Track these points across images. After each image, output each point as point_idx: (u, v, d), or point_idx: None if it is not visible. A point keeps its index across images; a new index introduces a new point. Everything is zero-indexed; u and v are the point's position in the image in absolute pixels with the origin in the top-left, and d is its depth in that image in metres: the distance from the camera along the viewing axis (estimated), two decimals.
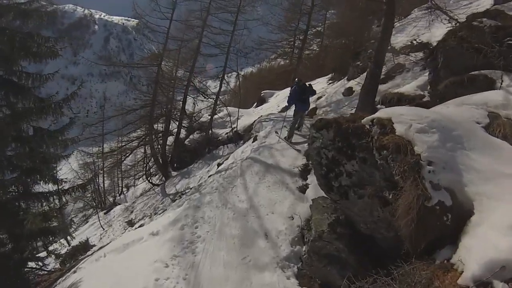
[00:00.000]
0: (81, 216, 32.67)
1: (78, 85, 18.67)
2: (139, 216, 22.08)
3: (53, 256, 17.44)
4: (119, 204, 28.63)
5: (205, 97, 25.96)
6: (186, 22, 25.03)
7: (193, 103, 27.27)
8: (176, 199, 17.83)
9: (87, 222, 29.58)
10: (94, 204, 32.51)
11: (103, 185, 33.21)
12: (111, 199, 32.69)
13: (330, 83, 25.03)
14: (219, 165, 19.57)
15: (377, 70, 12.25)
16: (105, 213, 26.78)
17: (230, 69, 24.65)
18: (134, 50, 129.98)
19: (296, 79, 15.78)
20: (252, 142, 18.27)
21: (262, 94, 31.35)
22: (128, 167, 29.32)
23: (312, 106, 18.78)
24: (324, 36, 33.43)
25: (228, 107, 27.27)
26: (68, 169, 30.37)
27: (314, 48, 34.50)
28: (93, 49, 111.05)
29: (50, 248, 17.71)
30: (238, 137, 23.26)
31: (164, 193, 23.07)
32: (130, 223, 20.66)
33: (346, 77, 21.10)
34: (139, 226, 17.02)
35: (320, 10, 30.92)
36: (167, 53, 23.90)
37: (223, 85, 25.28)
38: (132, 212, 23.56)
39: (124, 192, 31.41)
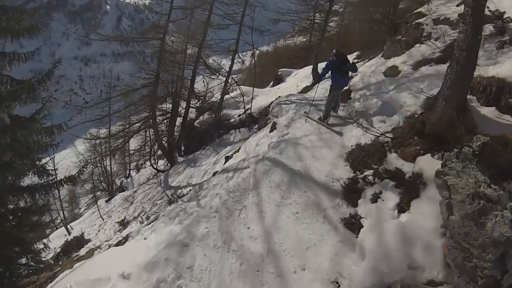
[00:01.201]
0: (91, 198, 28.66)
1: (54, 64, 14.69)
2: (134, 213, 17.20)
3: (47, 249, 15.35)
4: (126, 187, 23.94)
5: (215, 75, 20.59)
6: None
7: (203, 81, 21.73)
8: (173, 202, 12.70)
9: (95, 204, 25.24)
10: (102, 186, 28.04)
11: (110, 168, 28.07)
12: (119, 181, 27.92)
13: (356, 62, 19.06)
14: (227, 158, 14.06)
15: (477, 38, 7.26)
16: (106, 201, 22.05)
17: (244, 41, 18.65)
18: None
19: (335, 50, 11.36)
20: (270, 131, 12.74)
21: (279, 73, 25.95)
22: (133, 151, 24.89)
23: None
24: (346, 11, 27.92)
25: (241, 86, 22.57)
26: (73, 153, 26.21)
27: (334, 26, 28.48)
28: (106, 30, 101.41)
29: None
30: (252, 121, 17.77)
31: (166, 183, 17.92)
32: (122, 223, 16.11)
33: (380, 55, 15.57)
34: (121, 241, 12.02)
35: None
36: (172, 25, 19.26)
37: (237, 62, 20.75)
38: (132, 203, 18.65)
39: (132, 176, 26.35)
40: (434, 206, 6.46)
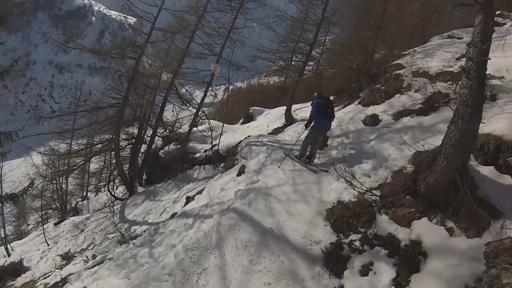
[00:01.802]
0: (41, 215, 25.96)
1: (13, 61, 12.74)
2: (83, 243, 14.77)
3: None
4: (80, 210, 21.45)
5: (186, 105, 18.73)
6: (178, 14, 17.99)
7: (173, 110, 19.66)
8: (124, 243, 10.86)
9: (46, 222, 22.46)
10: (55, 205, 25.01)
11: (66, 186, 24.91)
12: (74, 202, 25.01)
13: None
14: (188, 199, 12.21)
15: (482, 93, 6.16)
16: (55, 224, 19.10)
17: (220, 74, 17.03)
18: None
19: (316, 94, 10.54)
20: (238, 175, 11.14)
21: (250, 111, 24.37)
22: (92, 172, 22.63)
23: None
24: (323, 57, 27.22)
25: (211, 120, 21.02)
26: (28, 163, 23.52)
27: (310, 69, 27.65)
28: (87, 40, 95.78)
29: None
30: (219, 158, 16.09)
31: (122, 214, 15.72)
32: (66, 257, 13.28)
33: (357, 102, 14.47)
34: (58, 283, 9.88)
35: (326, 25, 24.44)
36: (149, 46, 17.58)
37: (209, 95, 19.23)
38: (82, 231, 16.13)
39: (89, 198, 23.73)
40: (442, 284, 5.19)
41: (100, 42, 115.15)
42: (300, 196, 8.23)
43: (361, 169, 8.53)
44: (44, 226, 19.17)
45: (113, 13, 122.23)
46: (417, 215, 6.38)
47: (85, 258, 11.54)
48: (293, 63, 21.82)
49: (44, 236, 17.30)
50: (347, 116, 13.04)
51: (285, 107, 18.59)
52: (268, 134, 17.15)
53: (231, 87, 24.39)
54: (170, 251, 7.67)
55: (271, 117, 21.20)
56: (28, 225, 25.89)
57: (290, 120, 17.72)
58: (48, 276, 11.60)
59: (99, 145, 18.02)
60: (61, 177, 21.43)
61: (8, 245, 18.48)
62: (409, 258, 5.86)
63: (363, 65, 16.56)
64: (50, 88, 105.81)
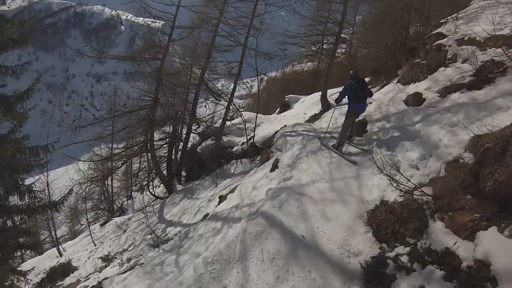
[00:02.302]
0: (92, 215, 25.78)
1: (34, 82, 12.51)
2: (124, 244, 14.20)
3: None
4: (126, 209, 20.99)
5: (217, 99, 17.52)
6: (197, 9, 16.84)
7: (205, 106, 18.40)
8: (156, 246, 10.23)
9: (96, 222, 22.20)
10: (103, 206, 24.90)
11: (112, 188, 24.44)
12: (120, 202, 24.56)
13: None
14: (221, 198, 11.06)
15: None
16: (101, 225, 18.67)
17: (248, 64, 15.36)
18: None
19: (352, 72, 9.42)
20: (271, 170, 9.87)
21: (286, 99, 22.67)
22: (134, 173, 22.00)
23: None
24: (354, 37, 25.25)
25: (247, 112, 19.70)
26: (72, 170, 23.35)
27: (343, 52, 25.53)
28: (119, 49, 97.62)
29: None
30: (256, 151, 14.83)
31: (161, 214, 15.02)
32: (106, 259, 12.97)
33: (396, 80, 12.42)
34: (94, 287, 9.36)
35: (354, 3, 22.34)
36: (176, 45, 16.62)
37: (246, 88, 18.05)
38: (124, 231, 15.65)
39: (133, 198, 23.26)
40: None
41: (132, 48, 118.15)
42: (338, 194, 6.92)
43: (407, 159, 6.98)
44: (92, 227, 19.07)
45: (141, 20, 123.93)
46: (483, 224, 4.72)
47: (120, 262, 11.05)
48: (324, 46, 20.07)
49: (91, 237, 17.10)
50: (386, 97, 11.20)
51: (320, 93, 17.01)
52: (305, 122, 15.76)
53: (263, 76, 22.83)
54: (193, 262, 6.72)
55: (307, 104, 19.69)
56: (81, 225, 25.93)
57: (326, 105, 16.12)
58: (88, 279, 11.12)
59: (136, 147, 17.27)
60: (105, 180, 20.82)
61: (60, 246, 18.49)
62: (473, 285, 4.35)
63: (399, 40, 14.67)
64: (91, 98, 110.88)
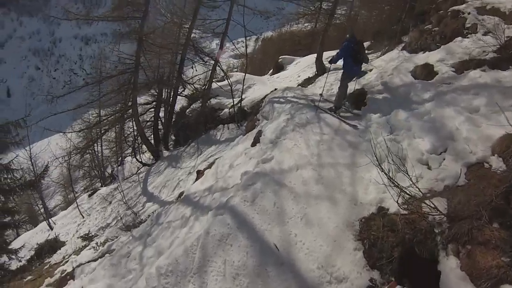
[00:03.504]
0: (86, 182, 24.16)
1: None
2: (108, 217, 12.92)
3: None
4: (116, 176, 19.28)
5: (203, 61, 15.23)
6: None
7: (192, 67, 16.06)
8: (130, 229, 8.98)
9: (90, 189, 20.72)
10: (94, 173, 23.36)
11: (102, 154, 22.60)
12: (110, 169, 22.40)
13: (367, 53, 14.58)
14: (198, 174, 9.43)
15: None
16: (89, 196, 17.64)
17: (236, 22, 12.97)
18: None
19: (349, 33, 8.58)
20: (252, 144, 8.11)
21: (279, 60, 20.38)
22: (118, 141, 20.11)
23: (355, 85, 8.77)
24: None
25: (237, 73, 17.77)
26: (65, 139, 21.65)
27: (344, 14, 23.40)
28: (107, 9, 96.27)
29: None
30: (243, 116, 13.14)
31: (145, 183, 13.58)
32: (85, 238, 11.83)
33: (401, 47, 10.52)
34: (68, 275, 8.49)
35: None
36: (153, 1, 14.37)
37: (233, 49, 16.03)
38: (110, 203, 14.32)
39: (124, 163, 21.76)
40: None
41: (122, 9, 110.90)
42: (325, 188, 5.24)
43: (414, 149, 5.29)
44: (81, 197, 18.10)
45: None
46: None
47: (96, 245, 9.90)
48: (323, 6, 17.85)
49: (79, 209, 15.97)
50: (389, 66, 9.19)
51: (315, 55, 15.01)
52: (298, 85, 13.88)
53: (260, 37, 20.67)
54: (155, 260, 5.57)
55: (302, 66, 17.58)
56: (76, 192, 24.75)
57: (321, 68, 14.11)
58: (66, 262, 10.10)
59: (118, 114, 15.51)
60: (85, 152, 19.08)
61: (50, 220, 17.37)
62: None
63: (406, 2, 12.55)
64: (80, 61, 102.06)
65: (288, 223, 4.73)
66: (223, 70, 14.91)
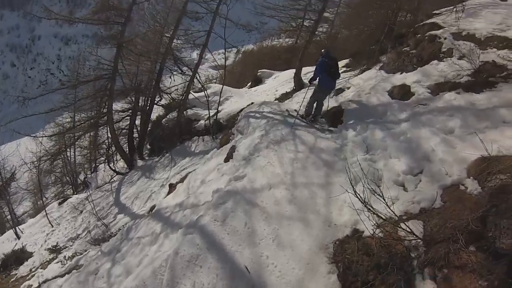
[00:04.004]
0: (57, 188, 22.99)
1: None
2: (78, 228, 12.24)
3: None
4: (89, 183, 18.63)
5: (181, 71, 14.85)
6: None
7: (171, 77, 16.02)
8: (98, 244, 8.75)
9: (60, 196, 19.95)
10: (66, 179, 21.93)
11: (75, 160, 21.54)
12: (83, 176, 21.47)
13: (344, 71, 13.65)
14: (170, 187, 9.26)
15: None
16: (59, 204, 16.50)
17: (217, 35, 12.78)
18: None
19: (323, 50, 8.90)
20: (225, 160, 7.90)
21: (258, 73, 20.27)
22: (91, 148, 19.32)
23: (332, 103, 8.99)
24: (337, 19, 22.82)
25: (215, 85, 17.55)
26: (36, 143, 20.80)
27: (324, 31, 22.11)
28: (90, 10, 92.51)
29: None
30: (219, 128, 12.96)
31: (117, 195, 13.08)
32: (53, 251, 11.20)
33: (378, 67, 10.67)
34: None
35: None
36: (137, 7, 14.08)
37: (220, 58, 15.82)
38: (81, 212, 13.66)
39: (97, 170, 20.23)
40: None
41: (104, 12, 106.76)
42: (298, 209, 5.08)
43: (390, 170, 5.25)
44: (50, 205, 17.08)
45: None
46: None
47: (64, 259, 9.39)
48: (305, 23, 17.96)
49: (47, 218, 15.09)
50: (367, 84, 9.28)
51: (294, 70, 15.01)
52: (275, 99, 13.79)
53: (241, 49, 20.53)
54: (123, 280, 5.30)
55: (281, 80, 17.52)
56: (46, 198, 23.70)
57: (299, 84, 14.07)
58: (33, 276, 9.68)
59: (92, 121, 15.03)
60: (55, 160, 18.32)
61: (18, 228, 16.38)
62: None
63: (385, 24, 12.73)
64: (58, 62, 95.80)
65: (260, 244, 4.55)
66: (200, 82, 14.64)
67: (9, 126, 12.05)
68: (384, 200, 3.90)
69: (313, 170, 5.94)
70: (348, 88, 9.53)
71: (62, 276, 8.08)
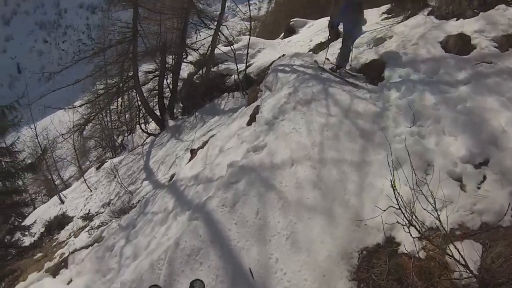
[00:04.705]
0: (96, 155, 24.14)
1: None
2: (111, 194, 12.32)
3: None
4: (126, 145, 18.87)
5: (206, 25, 13.44)
6: None
7: (195, 32, 15.08)
8: (122, 214, 8.24)
9: (97, 163, 19.91)
10: (104, 143, 22.66)
11: (111, 124, 21.47)
12: (121, 138, 21.71)
13: (385, 18, 11.78)
14: (191, 153, 8.62)
15: None
16: (97, 168, 17.07)
17: None
18: None
19: None
20: (248, 123, 6.91)
21: (291, 23, 18.42)
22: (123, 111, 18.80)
23: (371, 54, 7.26)
24: None
25: (246, 37, 16.28)
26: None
27: None
28: None
29: None
30: (249, 83, 11.90)
31: (147, 158, 12.70)
32: (86, 218, 11.23)
33: (427, 12, 8.30)
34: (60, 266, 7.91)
35: None
36: None
37: (253, 9, 14.43)
38: (115, 177, 13.05)
39: (134, 132, 20.01)
40: None
41: None
42: (324, 196, 3.97)
43: (444, 154, 3.91)
44: (89, 171, 17.69)
45: None
46: None
47: (91, 229, 9.27)
48: None
49: (86, 183, 15.47)
50: (414, 33, 7.21)
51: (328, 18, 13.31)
52: (309, 50, 12.30)
53: None
54: (131, 263, 4.98)
55: (315, 29, 15.73)
56: (90, 161, 24.28)
57: (334, 33, 12.46)
58: (66, 244, 9.63)
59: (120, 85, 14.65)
60: (82, 130, 18.24)
61: (62, 193, 17.07)
62: None
63: None
64: (88, 31, 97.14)
65: (271, 242, 3.61)
66: (224, 35, 13.39)
67: (40, 101, 12.38)
68: (434, 201, 2.70)
69: (346, 141, 4.73)
70: (391, 37, 7.75)
71: (86, 247, 7.86)
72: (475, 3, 6.84)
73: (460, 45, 5.90)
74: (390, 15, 12.19)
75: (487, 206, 3.15)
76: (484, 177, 3.50)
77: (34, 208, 17.93)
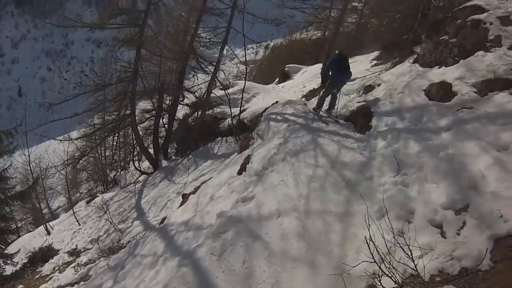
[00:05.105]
0: (87, 187, 23.76)
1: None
2: (100, 230, 12.18)
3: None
4: (119, 180, 18.75)
5: (203, 70, 14.00)
6: None
7: (193, 76, 15.19)
8: (109, 254, 8.15)
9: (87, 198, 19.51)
10: (97, 176, 22.46)
11: (105, 159, 21.80)
12: (113, 173, 21.58)
13: (375, 65, 12.53)
14: (183, 197, 8.56)
15: None
16: (87, 202, 16.66)
17: (235, 30, 12.19)
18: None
19: (337, 52, 8.93)
20: (238, 173, 7.06)
21: (286, 69, 19.13)
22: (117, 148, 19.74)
23: (360, 103, 7.86)
24: (366, 8, 21.33)
25: (242, 81, 16.92)
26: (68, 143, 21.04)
27: (351, 22, 20.51)
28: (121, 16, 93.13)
29: None
30: (243, 129, 12.26)
31: (139, 197, 12.73)
32: (72, 254, 11.04)
33: (412, 60, 9.08)
34: None
35: None
36: (154, 8, 13.50)
37: (250, 53, 15.08)
38: (104, 213, 12.85)
39: (126, 168, 20.11)
40: None
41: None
42: (308, 247, 4.19)
43: (425, 203, 4.14)
44: (78, 204, 17.28)
45: None
46: None
47: (77, 266, 9.26)
48: (332, 13, 16.79)
49: (75, 216, 15.15)
50: (400, 81, 7.80)
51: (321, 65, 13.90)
52: (302, 96, 12.93)
53: (271, 43, 19.64)
54: None
55: (308, 76, 16.42)
56: (80, 193, 24.07)
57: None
58: (50, 279, 9.62)
59: (117, 123, 14.99)
60: (76, 164, 18.25)
61: (49, 224, 16.59)
62: None
63: (418, 10, 11.33)
64: (91, 63, 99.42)
65: None
66: (219, 81, 13.95)
67: (37, 130, 12.46)
68: (411, 251, 2.88)
69: (332, 193, 5.01)
70: (379, 85, 8.28)
71: (72, 285, 7.93)
72: (456, 51, 7.41)
73: (442, 92, 6.37)
74: (379, 61, 12.97)
75: (466, 252, 3.33)
76: (464, 223, 3.69)
77: (19, 236, 17.54)
